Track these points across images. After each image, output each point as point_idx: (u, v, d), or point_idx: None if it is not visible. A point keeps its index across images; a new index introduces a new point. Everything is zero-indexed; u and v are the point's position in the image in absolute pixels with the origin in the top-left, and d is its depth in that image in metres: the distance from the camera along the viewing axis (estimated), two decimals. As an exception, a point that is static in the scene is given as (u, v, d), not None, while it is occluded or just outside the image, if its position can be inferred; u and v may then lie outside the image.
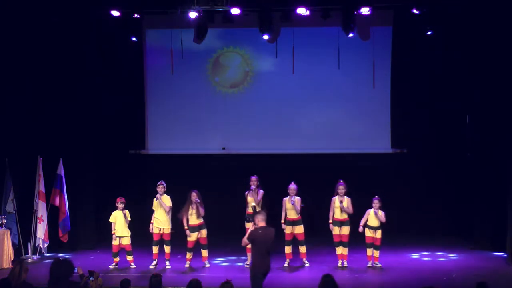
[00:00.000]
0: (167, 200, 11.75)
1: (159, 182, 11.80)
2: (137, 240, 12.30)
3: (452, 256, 12.57)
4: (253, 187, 11.61)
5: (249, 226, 9.47)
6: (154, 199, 11.74)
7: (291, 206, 11.57)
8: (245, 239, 8.84)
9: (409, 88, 14.31)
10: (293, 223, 11.67)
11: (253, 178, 11.70)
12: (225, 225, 13.33)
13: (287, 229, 11.68)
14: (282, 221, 11.69)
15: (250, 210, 11.04)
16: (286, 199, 11.65)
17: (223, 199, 12.81)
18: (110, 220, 11.82)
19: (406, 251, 12.90)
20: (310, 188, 12.61)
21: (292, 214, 11.65)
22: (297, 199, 11.60)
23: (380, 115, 14.38)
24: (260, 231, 8.73)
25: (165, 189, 11.80)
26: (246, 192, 11.80)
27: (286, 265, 11.81)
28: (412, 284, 10.52)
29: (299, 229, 11.67)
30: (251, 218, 9.12)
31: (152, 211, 11.84)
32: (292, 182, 11.69)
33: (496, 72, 12.70)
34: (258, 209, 10.79)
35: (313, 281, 8.68)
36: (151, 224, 11.80)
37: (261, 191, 11.74)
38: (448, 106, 14.19)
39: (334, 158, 14.41)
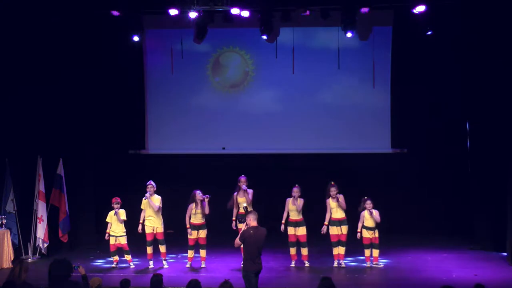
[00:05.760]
0: (156, 200, 11.74)
1: (148, 182, 11.77)
2: (137, 240, 12.29)
3: (452, 256, 12.57)
4: (244, 187, 11.70)
5: (242, 226, 9.47)
6: (144, 198, 11.74)
7: (294, 207, 11.58)
8: (237, 240, 8.86)
9: (409, 88, 14.30)
10: (296, 224, 11.67)
11: (243, 179, 11.77)
12: (225, 225, 13.30)
13: (290, 230, 11.69)
14: (283, 221, 11.70)
15: (241, 210, 11.06)
16: (289, 200, 11.66)
17: (223, 199, 12.79)
18: (106, 219, 11.87)
19: (406, 251, 12.90)
20: (309, 188, 12.58)
21: (295, 215, 11.65)
22: (300, 200, 11.61)
23: (380, 115, 14.38)
24: (251, 231, 8.73)
25: (155, 189, 11.76)
26: (235, 193, 11.84)
27: (292, 265, 11.83)
28: (412, 284, 10.53)
29: (302, 231, 11.67)
30: (244, 218, 9.13)
31: (139, 211, 11.83)
32: (296, 185, 11.70)
33: (496, 72, 12.70)
34: (250, 209, 10.82)
35: (314, 281, 8.68)
36: (140, 225, 11.75)
37: (251, 190, 11.78)
38: (448, 106, 14.19)
39: (334, 158, 14.42)
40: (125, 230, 11.85)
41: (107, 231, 11.82)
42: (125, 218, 11.81)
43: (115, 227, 11.78)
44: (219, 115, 14.73)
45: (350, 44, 14.12)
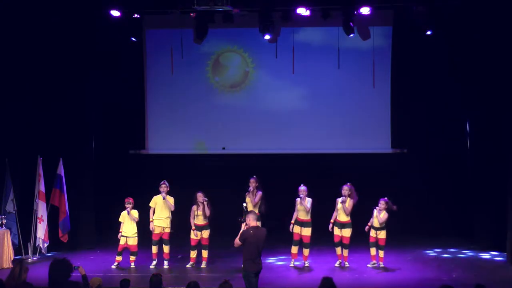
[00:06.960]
0: (171, 200, 11.78)
1: (162, 182, 11.79)
2: (141, 240, 12.28)
3: (452, 256, 12.57)
4: (250, 188, 11.68)
5: (242, 226, 9.47)
6: (158, 197, 11.71)
7: (302, 207, 11.58)
8: (237, 240, 8.84)
9: (409, 88, 14.32)
10: (301, 224, 11.67)
11: (251, 180, 11.76)
12: (225, 225, 13.33)
13: (296, 229, 11.69)
14: (292, 221, 11.70)
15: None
16: (297, 199, 11.67)
17: (223, 199, 12.81)
18: (119, 219, 11.88)
19: (406, 251, 12.90)
20: (309, 188, 12.61)
21: (302, 215, 11.65)
22: (308, 200, 11.60)
23: (380, 115, 14.39)
24: (251, 231, 8.72)
25: (168, 189, 11.80)
26: (247, 193, 11.85)
27: (292, 265, 11.83)
28: (412, 284, 10.53)
29: (307, 231, 11.66)
30: (244, 219, 9.12)
31: (148, 209, 11.84)
32: (302, 184, 11.69)
33: (496, 72, 12.70)
34: (250, 209, 10.81)
35: (314, 281, 8.67)
36: (151, 223, 11.80)
37: (259, 192, 11.77)
38: (448, 105, 14.20)
39: (334, 158, 14.42)
40: (136, 231, 11.84)
41: (120, 231, 11.83)
42: (138, 218, 11.80)
43: (127, 227, 11.79)
44: (219, 115, 14.74)
45: (350, 44, 14.13)
